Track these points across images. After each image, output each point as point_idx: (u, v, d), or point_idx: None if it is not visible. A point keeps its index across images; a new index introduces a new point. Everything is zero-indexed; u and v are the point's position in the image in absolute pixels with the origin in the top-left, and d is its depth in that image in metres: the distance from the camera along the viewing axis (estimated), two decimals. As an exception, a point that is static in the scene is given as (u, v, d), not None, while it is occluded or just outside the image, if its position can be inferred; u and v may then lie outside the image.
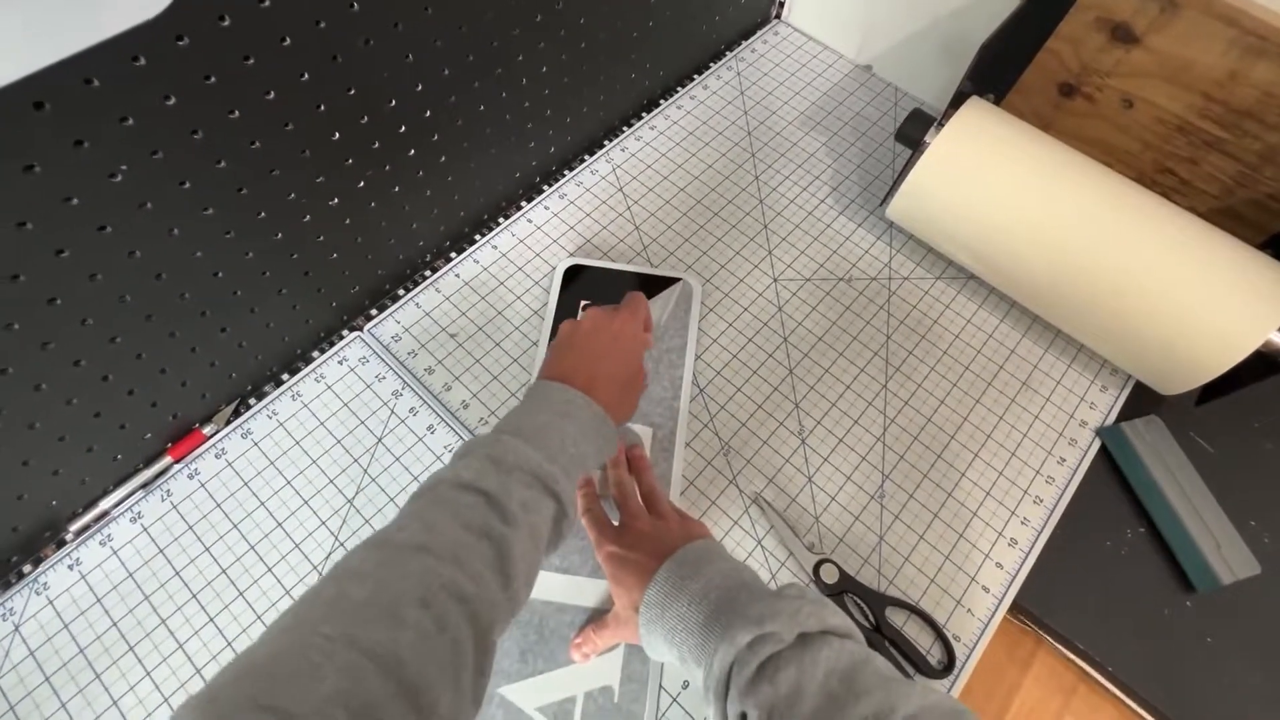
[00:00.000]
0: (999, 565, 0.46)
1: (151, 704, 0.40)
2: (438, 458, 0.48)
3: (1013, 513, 0.48)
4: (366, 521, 0.45)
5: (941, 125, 0.52)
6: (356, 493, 0.46)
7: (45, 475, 0.41)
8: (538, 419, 0.36)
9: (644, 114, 0.67)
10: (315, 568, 0.44)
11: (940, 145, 0.51)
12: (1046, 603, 0.46)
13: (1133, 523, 0.49)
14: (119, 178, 0.32)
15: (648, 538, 0.38)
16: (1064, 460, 0.50)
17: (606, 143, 0.64)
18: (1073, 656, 0.46)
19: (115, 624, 0.42)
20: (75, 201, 0.31)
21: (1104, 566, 0.48)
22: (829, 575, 0.44)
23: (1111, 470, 0.51)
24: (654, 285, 0.56)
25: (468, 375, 0.51)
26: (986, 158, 0.51)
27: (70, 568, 0.43)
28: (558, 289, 0.55)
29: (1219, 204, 0.55)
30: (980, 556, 0.46)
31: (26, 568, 0.43)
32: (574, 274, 0.56)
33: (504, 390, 0.51)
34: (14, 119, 0.27)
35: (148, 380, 0.42)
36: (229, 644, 0.41)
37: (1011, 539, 0.47)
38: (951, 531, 0.47)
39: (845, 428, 0.51)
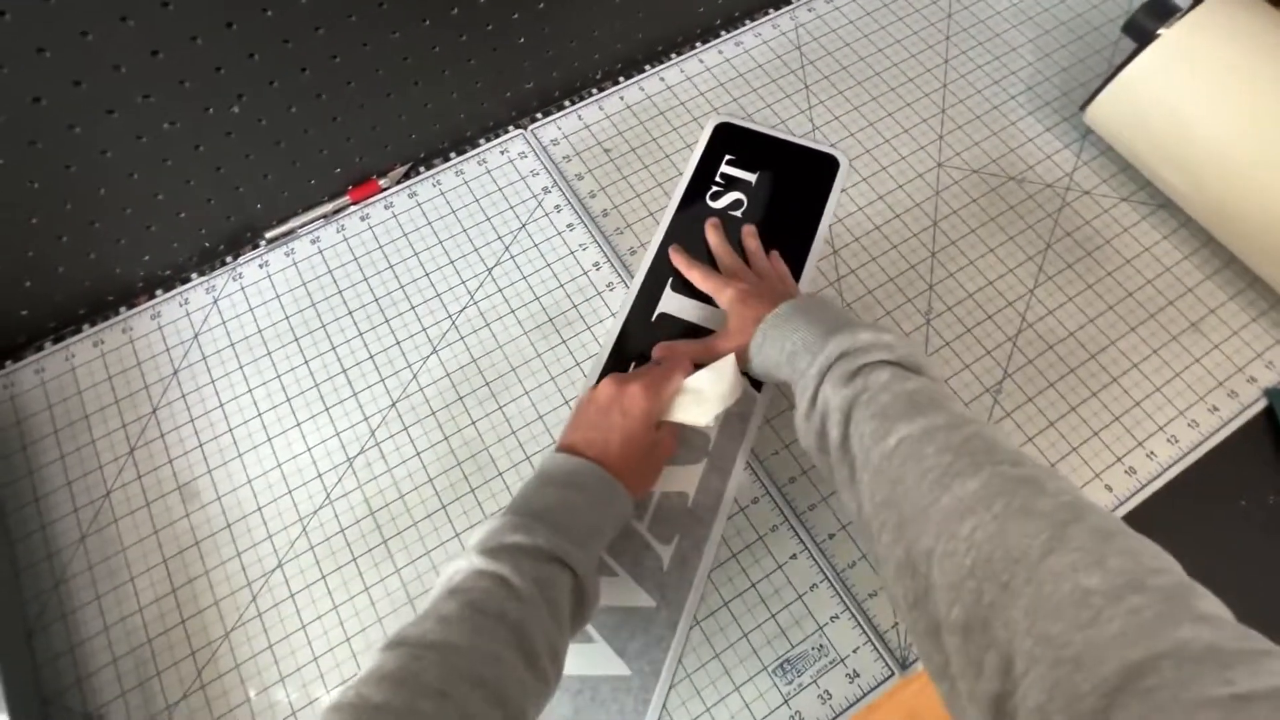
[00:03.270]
0: (1108, 488, 0.44)
1: (305, 386, 0.47)
2: (571, 251, 0.51)
3: (1140, 444, 0.45)
4: (499, 290, 0.50)
5: (1185, 15, 0.46)
6: (495, 264, 0.51)
7: (258, 176, 0.47)
8: (545, 495, 0.35)
9: (840, -22, 0.64)
10: (450, 316, 0.49)
11: (1176, 35, 0.45)
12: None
13: (1278, 490, 0.45)
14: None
15: (775, 287, 0.45)
16: (1216, 409, 0.46)
17: (794, 1, 0.62)
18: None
19: (287, 318, 0.49)
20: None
21: (1228, 524, 0.44)
22: (923, 444, 0.44)
23: (1272, 435, 0.46)
24: (798, 159, 0.55)
25: (612, 188, 0.54)
26: (1228, 55, 0.45)
27: (260, 266, 0.51)
28: (705, 142, 0.55)
29: None
30: (1090, 474, 0.44)
31: (228, 258, 0.51)
32: (724, 133, 0.56)
33: (643, 208, 0.53)
34: None
35: (349, 110, 0.47)
36: (370, 356, 0.48)
37: (1131, 468, 0.44)
38: (1064, 443, 0.45)
39: (976, 320, 0.49)
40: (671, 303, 0.49)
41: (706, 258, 0.50)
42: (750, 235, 0.50)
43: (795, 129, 0.56)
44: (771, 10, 0.62)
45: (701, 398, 0.40)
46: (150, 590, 0.41)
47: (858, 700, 0.39)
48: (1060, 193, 0.53)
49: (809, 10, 0.62)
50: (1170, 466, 0.44)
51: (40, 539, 0.42)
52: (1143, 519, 0.43)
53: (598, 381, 0.44)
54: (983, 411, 0.46)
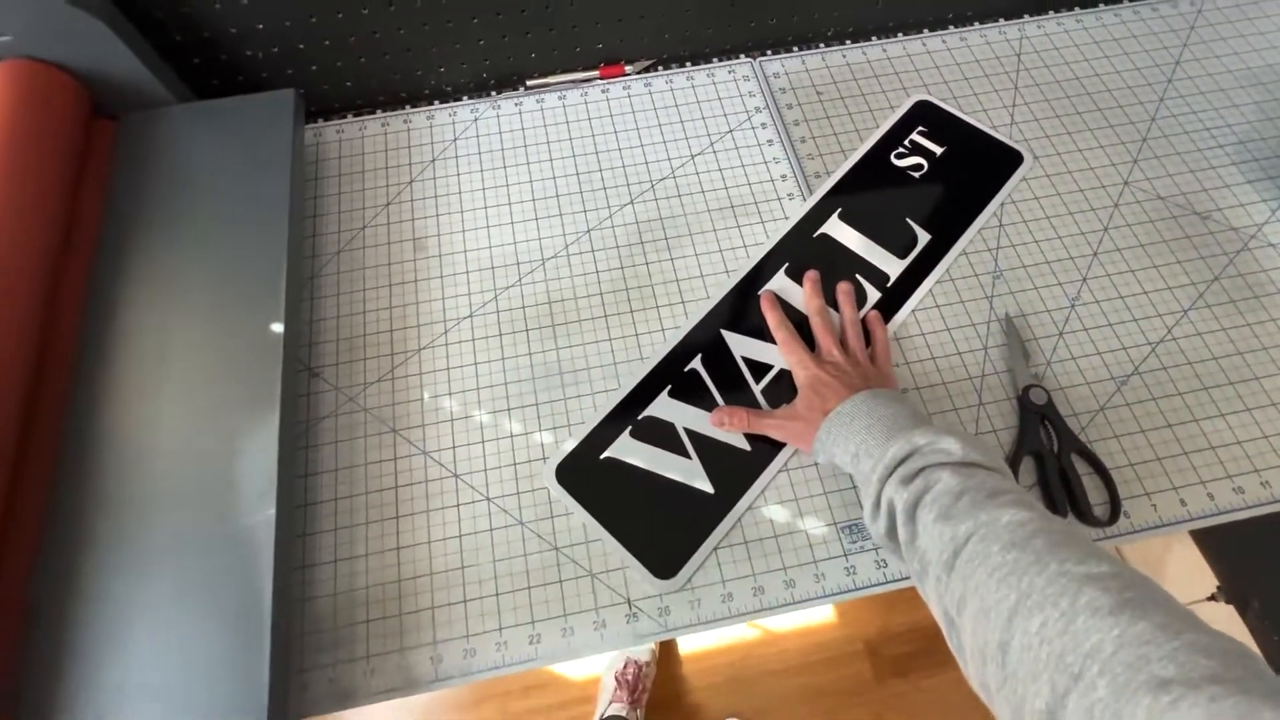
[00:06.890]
0: (1210, 496, 0.45)
1: (524, 197, 0.57)
2: (765, 161, 0.59)
3: (1257, 470, 0.46)
4: (696, 172, 0.58)
5: None
6: (698, 152, 0.59)
7: (545, 29, 0.59)
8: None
9: (1076, 7, 0.67)
10: (651, 181, 0.58)
11: None
12: (1240, 543, 0.44)
13: (1397, 561, 0.44)
14: None
15: (848, 373, 0.44)
16: (1351, 468, 0.46)
17: (1026, 16, 0.67)
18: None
19: (525, 146, 0.60)
20: None
21: (1332, 570, 0.44)
22: (1038, 397, 0.47)
23: (1404, 512, 0.45)
24: (984, 146, 0.59)
25: (815, 121, 0.61)
26: None
27: (515, 105, 0.62)
28: (905, 109, 0.61)
29: None
30: (1195, 480, 0.46)
31: (493, 93, 0.63)
32: (923, 109, 0.62)
33: (836, 144, 0.59)
34: None
35: (631, -4, 0.57)
36: (580, 191, 0.57)
37: (1239, 487, 0.45)
38: (1176, 444, 0.47)
39: (1121, 318, 0.51)
40: (836, 229, 0.56)
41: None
42: (845, 295, 0.50)
43: (995, 120, 0.61)
44: (1002, 20, 0.67)
45: None
46: (375, 302, 0.53)
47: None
48: (1244, 238, 0.54)
49: (1038, 27, 0.66)
50: (1283, 499, 0.45)
51: (311, 243, 0.55)
52: (1242, 531, 0.44)
53: None
54: (1104, 394, 0.48)
